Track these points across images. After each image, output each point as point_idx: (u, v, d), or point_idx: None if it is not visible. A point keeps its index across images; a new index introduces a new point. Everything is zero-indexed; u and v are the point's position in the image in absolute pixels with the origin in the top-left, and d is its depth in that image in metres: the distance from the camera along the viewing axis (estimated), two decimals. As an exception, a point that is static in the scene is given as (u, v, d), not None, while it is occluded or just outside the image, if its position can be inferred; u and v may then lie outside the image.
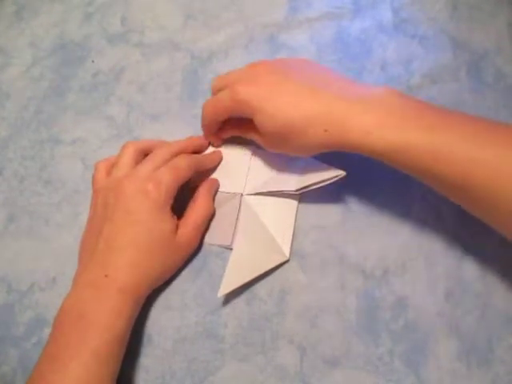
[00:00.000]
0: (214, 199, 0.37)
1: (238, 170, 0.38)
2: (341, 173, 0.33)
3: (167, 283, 0.35)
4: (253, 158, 0.38)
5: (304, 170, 0.35)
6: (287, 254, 0.35)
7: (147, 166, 0.33)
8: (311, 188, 0.34)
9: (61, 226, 0.37)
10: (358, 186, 0.37)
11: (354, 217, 0.36)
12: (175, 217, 0.34)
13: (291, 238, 0.36)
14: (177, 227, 0.33)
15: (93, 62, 0.45)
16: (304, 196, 0.37)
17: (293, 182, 0.35)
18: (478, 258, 0.35)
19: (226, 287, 0.33)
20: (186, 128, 0.41)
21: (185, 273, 0.35)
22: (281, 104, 0.30)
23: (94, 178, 0.35)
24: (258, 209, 0.37)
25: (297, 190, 0.35)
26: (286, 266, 0.36)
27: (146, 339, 0.34)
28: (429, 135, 0.26)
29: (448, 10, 0.46)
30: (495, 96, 0.42)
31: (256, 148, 0.38)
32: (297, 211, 0.37)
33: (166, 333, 0.34)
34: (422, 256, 0.35)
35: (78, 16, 0.48)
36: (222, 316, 0.34)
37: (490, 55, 0.44)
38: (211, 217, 0.36)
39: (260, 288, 0.35)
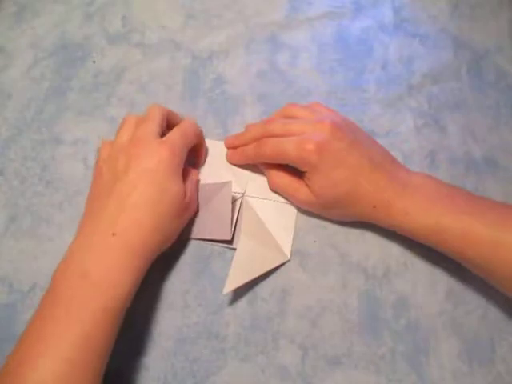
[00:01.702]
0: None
1: (242, 169, 0.39)
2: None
3: (168, 283, 0.35)
4: None
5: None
6: (288, 255, 0.36)
7: (151, 126, 0.34)
8: None
9: (62, 227, 0.38)
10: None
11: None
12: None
13: (292, 238, 0.36)
14: (184, 189, 0.34)
15: (94, 62, 0.45)
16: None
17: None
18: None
19: (230, 285, 0.33)
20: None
21: (187, 273, 0.36)
22: (342, 173, 0.32)
23: (99, 153, 0.35)
24: (260, 210, 0.37)
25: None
26: (288, 265, 0.36)
27: (147, 339, 0.34)
28: (459, 219, 0.30)
29: (449, 9, 0.46)
30: (496, 95, 0.42)
31: None
32: (297, 213, 0.37)
33: (168, 333, 0.34)
34: (423, 256, 0.35)
35: (78, 16, 0.48)
36: (223, 316, 0.34)
37: (491, 54, 0.44)
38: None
39: (262, 288, 0.35)
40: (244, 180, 0.38)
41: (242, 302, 0.35)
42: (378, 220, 0.33)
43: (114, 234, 0.30)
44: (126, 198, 0.31)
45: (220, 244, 0.36)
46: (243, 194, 0.38)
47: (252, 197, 0.38)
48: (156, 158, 0.32)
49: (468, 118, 0.41)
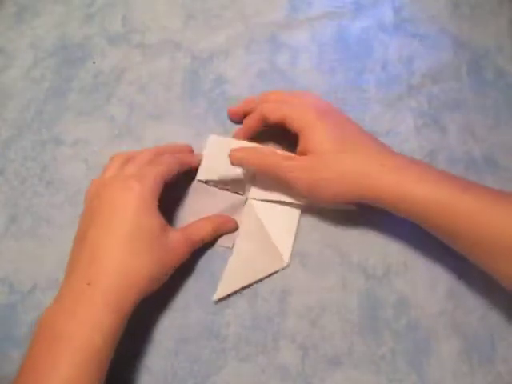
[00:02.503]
0: (219, 233, 0.36)
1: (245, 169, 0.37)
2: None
3: (169, 283, 0.35)
4: None
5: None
6: (286, 260, 0.35)
7: (130, 165, 0.33)
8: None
9: (62, 227, 0.38)
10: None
11: (355, 216, 0.36)
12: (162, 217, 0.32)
13: (292, 243, 0.36)
14: (166, 227, 0.32)
15: (94, 62, 0.45)
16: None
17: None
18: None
19: (222, 292, 0.33)
20: (187, 128, 0.41)
21: (187, 273, 0.36)
22: (346, 128, 0.34)
23: (86, 192, 0.34)
24: (261, 213, 0.37)
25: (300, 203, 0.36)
26: (288, 265, 0.36)
27: (148, 339, 0.34)
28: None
29: (449, 9, 0.46)
30: (496, 95, 0.42)
31: None
32: (299, 219, 0.37)
33: (168, 333, 0.34)
34: (423, 255, 0.35)
35: (78, 17, 0.48)
36: (224, 316, 0.34)
37: (491, 54, 0.44)
38: (206, 243, 0.35)
39: (262, 288, 0.35)
40: (246, 181, 0.37)
41: (243, 302, 0.35)
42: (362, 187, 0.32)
43: (88, 284, 0.28)
44: (97, 244, 0.29)
45: (219, 244, 0.36)
46: (246, 195, 0.37)
47: (254, 199, 0.37)
48: (124, 195, 0.30)
49: (468, 117, 0.41)
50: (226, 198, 0.37)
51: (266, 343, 0.33)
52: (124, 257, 0.29)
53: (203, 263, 0.36)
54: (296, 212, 0.37)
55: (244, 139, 0.38)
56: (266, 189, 0.37)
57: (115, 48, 0.46)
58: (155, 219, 0.31)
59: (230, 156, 0.36)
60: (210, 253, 0.36)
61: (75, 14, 0.48)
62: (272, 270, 0.35)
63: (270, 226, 0.36)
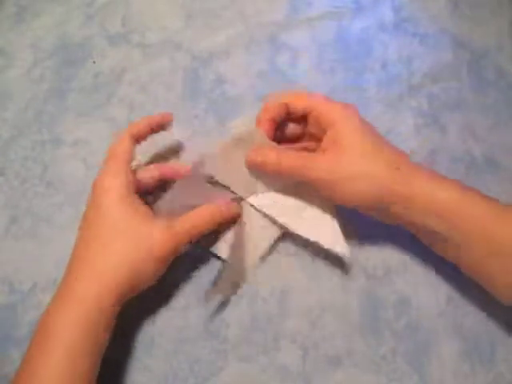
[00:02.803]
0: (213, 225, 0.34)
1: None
2: (344, 253, 0.33)
3: (168, 283, 0.35)
4: None
5: (314, 219, 0.34)
6: (249, 279, 0.35)
7: (107, 161, 0.33)
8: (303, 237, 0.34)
9: (63, 227, 0.38)
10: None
11: (355, 216, 0.36)
12: (146, 207, 0.32)
13: (256, 264, 0.35)
14: (147, 217, 0.31)
15: (94, 62, 0.45)
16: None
17: (293, 220, 0.34)
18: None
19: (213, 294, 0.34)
20: (187, 128, 0.41)
21: (187, 273, 0.35)
22: (370, 129, 0.34)
23: None
24: (247, 217, 0.35)
25: (286, 231, 0.35)
26: (288, 265, 0.36)
27: (148, 340, 0.34)
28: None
29: (449, 9, 0.46)
30: (496, 94, 0.42)
31: None
32: (277, 240, 0.36)
33: (169, 333, 0.34)
34: (424, 256, 0.35)
35: (78, 17, 0.48)
36: (224, 316, 0.34)
37: (491, 53, 0.44)
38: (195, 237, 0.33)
39: (262, 288, 0.35)
40: (251, 182, 0.35)
41: (243, 303, 0.35)
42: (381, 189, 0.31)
43: (70, 285, 0.29)
44: (83, 248, 0.31)
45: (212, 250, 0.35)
46: (242, 197, 0.35)
47: (249, 203, 0.35)
48: (100, 194, 0.31)
49: (468, 117, 0.41)
50: (223, 195, 0.35)
51: (267, 343, 0.33)
52: (104, 258, 0.29)
53: (203, 263, 0.36)
54: (277, 231, 0.35)
55: (269, 131, 0.34)
56: (266, 194, 0.35)
57: (115, 48, 0.46)
58: (130, 212, 0.31)
59: (247, 160, 0.34)
60: (210, 253, 0.36)
61: (75, 14, 0.48)
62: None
63: (249, 234, 0.35)
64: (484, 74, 0.43)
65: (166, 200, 0.35)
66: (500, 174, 0.39)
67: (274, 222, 0.35)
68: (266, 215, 0.35)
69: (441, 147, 0.40)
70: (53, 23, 0.47)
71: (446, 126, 0.41)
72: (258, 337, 0.34)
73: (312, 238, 0.33)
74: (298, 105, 0.34)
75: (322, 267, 0.35)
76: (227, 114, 0.42)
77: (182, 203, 0.34)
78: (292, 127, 0.36)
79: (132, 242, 0.30)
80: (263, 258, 0.36)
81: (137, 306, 0.34)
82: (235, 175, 0.35)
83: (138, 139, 0.35)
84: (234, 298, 0.35)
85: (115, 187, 0.31)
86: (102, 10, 0.48)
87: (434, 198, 0.30)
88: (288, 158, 0.32)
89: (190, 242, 0.32)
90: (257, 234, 0.35)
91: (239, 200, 0.35)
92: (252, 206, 0.35)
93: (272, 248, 0.36)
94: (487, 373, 0.32)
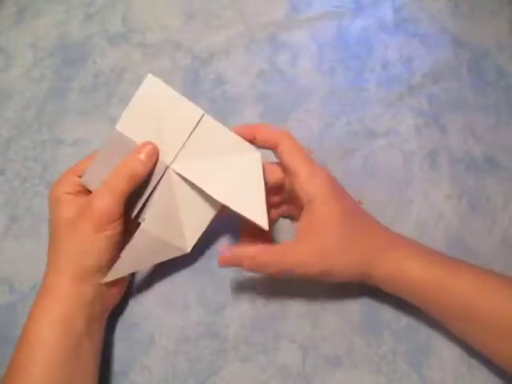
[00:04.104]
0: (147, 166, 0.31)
1: (177, 131, 0.32)
2: (263, 225, 0.31)
3: (168, 283, 0.35)
4: (202, 123, 0.32)
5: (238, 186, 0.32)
6: (189, 249, 0.33)
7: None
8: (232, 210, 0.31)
9: (63, 227, 0.37)
10: (358, 186, 0.37)
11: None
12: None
13: (200, 233, 0.33)
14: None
15: (94, 62, 0.45)
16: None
17: (222, 190, 0.31)
18: (477, 257, 0.35)
19: (113, 274, 0.31)
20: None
21: (187, 273, 0.36)
22: (350, 200, 0.33)
23: None
24: (178, 191, 0.32)
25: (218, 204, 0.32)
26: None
27: (148, 339, 0.34)
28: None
29: (449, 9, 0.46)
30: (496, 94, 0.42)
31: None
32: (215, 215, 0.33)
33: (169, 333, 0.34)
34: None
35: (78, 16, 0.48)
36: (224, 316, 0.34)
37: (492, 53, 0.44)
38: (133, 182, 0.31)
39: (262, 288, 0.35)
40: (176, 147, 0.31)
41: (243, 302, 0.35)
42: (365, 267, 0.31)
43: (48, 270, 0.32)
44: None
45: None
46: (168, 165, 0.32)
47: (177, 173, 0.32)
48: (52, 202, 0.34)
49: (468, 117, 0.41)
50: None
51: (267, 343, 0.33)
52: (54, 258, 0.32)
53: (203, 263, 0.36)
54: (217, 204, 0.32)
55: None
56: (195, 160, 0.32)
57: (115, 48, 0.46)
58: (64, 209, 0.33)
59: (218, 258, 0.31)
60: (210, 253, 0.36)
61: (75, 13, 0.48)
62: (171, 256, 0.33)
63: (184, 208, 0.32)
64: (484, 74, 0.43)
65: (93, 172, 0.32)
66: (500, 174, 0.39)
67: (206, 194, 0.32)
68: (200, 181, 0.32)
69: (441, 147, 0.40)
70: (53, 23, 0.47)
71: (446, 126, 0.41)
72: (257, 336, 0.34)
73: (233, 207, 0.31)
74: (276, 170, 0.33)
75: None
76: (227, 114, 0.42)
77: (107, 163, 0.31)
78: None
79: (73, 228, 0.32)
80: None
81: (136, 306, 0.35)
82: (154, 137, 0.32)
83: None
84: (234, 298, 0.35)
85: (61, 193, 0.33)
86: (102, 9, 0.48)
87: (417, 276, 0.30)
88: (263, 255, 0.30)
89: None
90: (195, 209, 0.33)
91: (165, 165, 0.32)
92: (180, 174, 0.32)
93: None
94: (487, 373, 0.32)
